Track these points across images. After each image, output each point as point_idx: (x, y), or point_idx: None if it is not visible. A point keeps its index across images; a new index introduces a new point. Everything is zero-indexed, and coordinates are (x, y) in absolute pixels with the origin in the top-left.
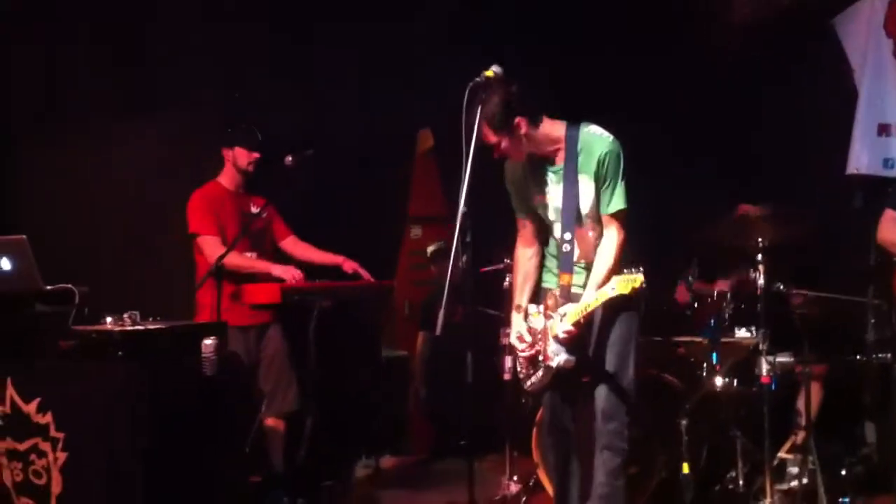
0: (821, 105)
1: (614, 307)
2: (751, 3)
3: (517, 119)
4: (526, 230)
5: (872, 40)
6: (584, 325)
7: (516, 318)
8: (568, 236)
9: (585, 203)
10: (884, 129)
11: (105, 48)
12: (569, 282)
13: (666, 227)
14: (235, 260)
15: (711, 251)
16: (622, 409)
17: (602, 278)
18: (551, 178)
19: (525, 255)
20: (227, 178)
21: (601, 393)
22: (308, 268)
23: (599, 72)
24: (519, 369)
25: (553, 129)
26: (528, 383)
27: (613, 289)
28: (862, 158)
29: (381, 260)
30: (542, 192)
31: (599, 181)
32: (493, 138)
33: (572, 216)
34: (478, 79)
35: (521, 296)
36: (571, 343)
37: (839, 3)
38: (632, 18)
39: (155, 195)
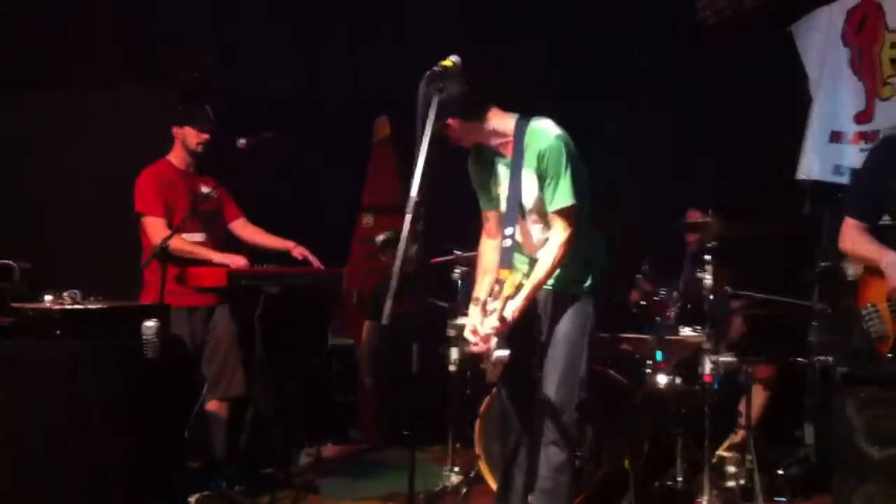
0: (774, 110)
1: (569, 299)
2: (711, 8)
3: (448, 120)
4: (489, 223)
5: (830, 49)
6: (520, 320)
7: (473, 311)
8: (509, 231)
9: (528, 198)
10: (836, 137)
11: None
12: (506, 277)
13: (620, 225)
14: (178, 244)
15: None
16: (571, 405)
17: (541, 277)
18: (503, 170)
19: (488, 248)
20: (176, 157)
21: (550, 387)
22: (257, 252)
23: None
24: (483, 363)
25: (501, 122)
26: (487, 375)
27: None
28: (813, 165)
29: (332, 247)
30: (497, 184)
31: (542, 177)
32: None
33: (515, 211)
34: (435, 67)
35: (480, 289)
36: (504, 337)
37: (798, 10)
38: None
39: (106, 171)
